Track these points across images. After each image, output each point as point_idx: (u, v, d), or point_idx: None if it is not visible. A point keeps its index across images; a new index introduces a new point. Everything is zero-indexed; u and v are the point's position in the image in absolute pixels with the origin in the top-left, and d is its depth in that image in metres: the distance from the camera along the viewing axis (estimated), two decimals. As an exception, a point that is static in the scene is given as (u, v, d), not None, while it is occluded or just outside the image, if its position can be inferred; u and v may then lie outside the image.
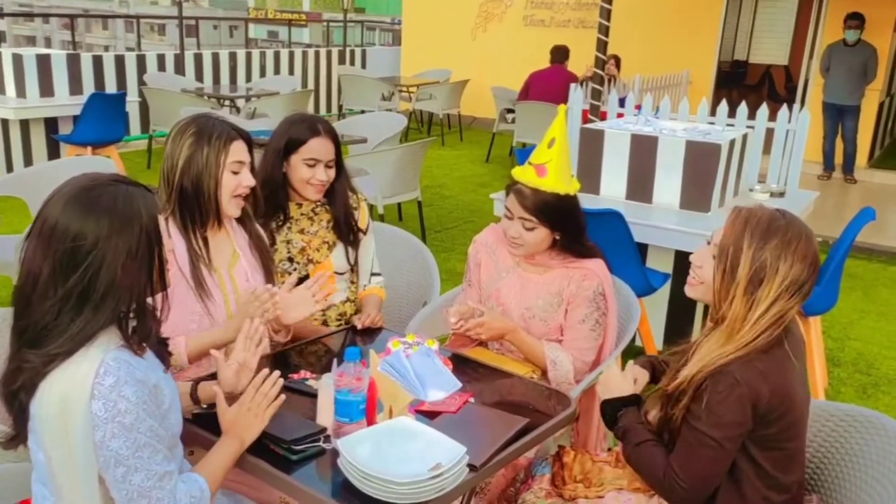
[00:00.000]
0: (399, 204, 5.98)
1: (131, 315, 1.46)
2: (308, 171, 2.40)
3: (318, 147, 2.39)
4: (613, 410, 1.87)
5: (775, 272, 1.61)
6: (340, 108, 10.46)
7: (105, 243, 1.39)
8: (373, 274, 2.65)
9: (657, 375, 1.99)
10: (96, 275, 1.38)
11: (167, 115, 6.99)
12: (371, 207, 5.64)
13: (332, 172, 2.45)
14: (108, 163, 4.16)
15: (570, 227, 2.30)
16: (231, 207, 2.06)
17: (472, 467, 1.62)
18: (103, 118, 6.15)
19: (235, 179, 2.02)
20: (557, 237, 2.31)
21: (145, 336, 1.49)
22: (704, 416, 1.63)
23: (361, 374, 1.68)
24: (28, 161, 6.46)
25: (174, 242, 1.97)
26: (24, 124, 6.37)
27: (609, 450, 2.06)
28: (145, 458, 1.42)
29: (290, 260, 2.49)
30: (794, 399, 1.66)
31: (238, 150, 2.02)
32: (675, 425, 1.71)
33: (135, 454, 1.41)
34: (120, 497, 1.42)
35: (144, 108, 8.03)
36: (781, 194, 4.19)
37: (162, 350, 1.62)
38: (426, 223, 5.80)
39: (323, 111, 11.27)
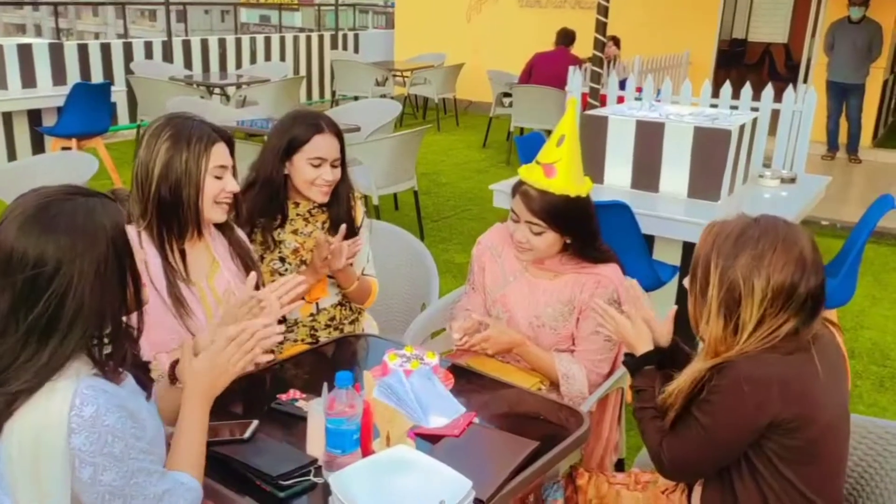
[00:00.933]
0: (395, 194, 5.81)
1: (105, 340, 1.33)
2: (313, 171, 2.24)
3: (323, 145, 2.24)
4: (633, 362, 1.80)
5: (751, 290, 1.50)
6: (334, 94, 10.25)
7: (69, 266, 1.25)
8: (364, 274, 2.48)
9: (677, 356, 1.84)
10: (62, 302, 1.25)
11: (155, 105, 6.79)
12: (366, 199, 5.52)
13: (337, 172, 2.29)
14: (88, 159, 3.97)
15: (581, 231, 2.14)
16: (215, 213, 1.90)
17: (478, 502, 1.47)
18: (88, 109, 5.95)
19: (218, 185, 1.87)
20: (568, 241, 2.15)
21: (121, 361, 1.36)
22: (701, 402, 1.56)
23: (354, 401, 1.52)
24: (12, 156, 6.28)
25: (148, 257, 1.81)
26: (7, 117, 6.19)
27: (623, 469, 1.92)
28: (141, 483, 1.31)
29: (282, 260, 2.33)
30: (818, 410, 1.53)
31: (220, 153, 1.87)
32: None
33: (129, 482, 1.29)
34: None
35: (132, 96, 7.82)
36: (792, 180, 4.02)
37: (142, 375, 1.47)
38: (423, 212, 5.65)
39: (315, 98, 11.06)
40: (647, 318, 1.82)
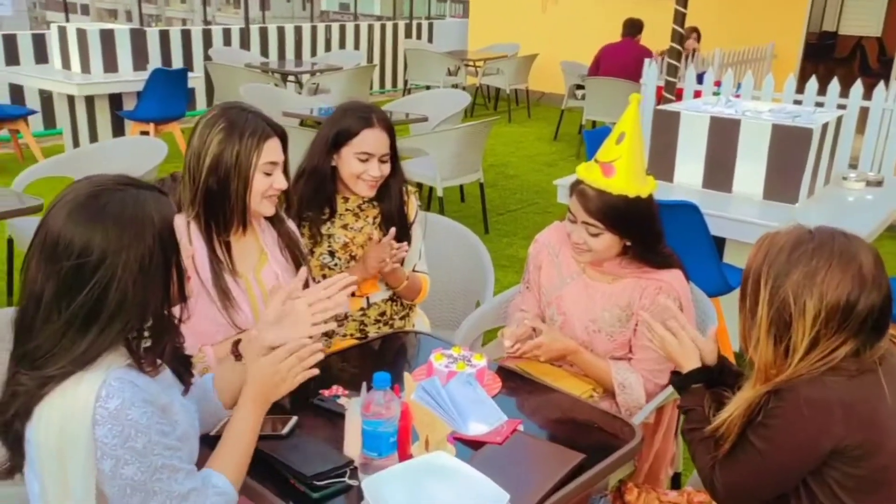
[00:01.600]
0: (461, 186, 5.76)
1: (146, 333, 1.32)
2: (360, 165, 2.21)
3: (372, 140, 2.20)
4: (680, 381, 1.72)
5: (802, 311, 1.39)
6: (406, 83, 10.25)
7: (114, 257, 1.24)
8: (416, 271, 2.44)
9: (725, 375, 1.74)
10: (105, 293, 1.24)
11: (231, 92, 6.90)
12: (430, 190, 5.53)
13: (386, 168, 2.25)
14: (159, 144, 4.05)
15: (642, 234, 2.04)
16: (263, 208, 1.88)
17: (516, 516, 1.40)
18: (165, 94, 6.10)
19: (267, 181, 1.85)
20: (628, 244, 2.06)
21: (160, 353, 1.35)
22: (757, 425, 1.47)
23: (391, 404, 1.48)
24: (94, 137, 6.48)
25: (195, 248, 1.80)
26: (90, 100, 6.38)
27: (680, 484, 1.82)
28: (164, 479, 1.28)
29: (332, 254, 2.31)
30: (886, 436, 1.41)
31: (272, 149, 1.84)
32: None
33: (152, 478, 1.27)
34: None
35: (210, 83, 7.98)
36: (879, 183, 3.78)
37: (182, 370, 1.46)
38: (488, 205, 5.58)
39: (388, 86, 11.09)
40: (693, 337, 1.72)
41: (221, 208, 1.82)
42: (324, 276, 2.26)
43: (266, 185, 1.84)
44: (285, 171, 1.90)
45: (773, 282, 1.42)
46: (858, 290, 1.38)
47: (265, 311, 1.83)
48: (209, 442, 1.50)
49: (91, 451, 1.22)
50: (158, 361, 1.35)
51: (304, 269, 1.79)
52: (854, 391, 1.39)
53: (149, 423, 1.26)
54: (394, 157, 2.28)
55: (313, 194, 2.25)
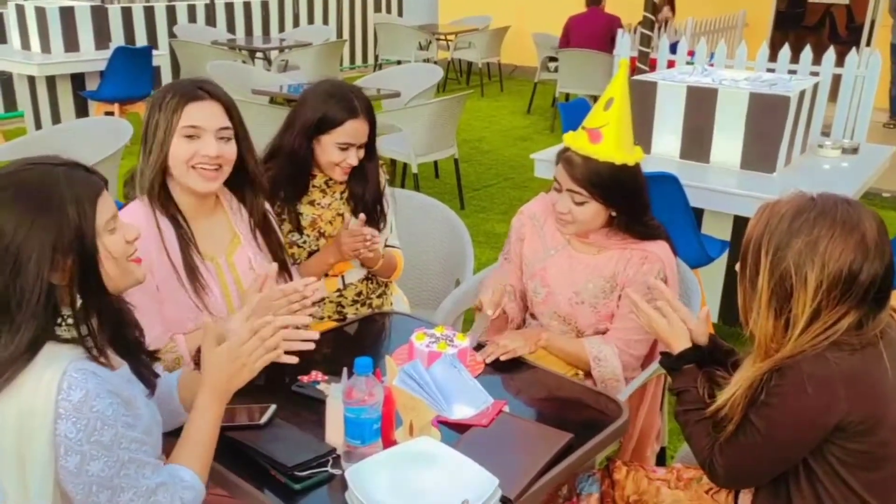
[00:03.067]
0: (435, 162, 5.68)
1: (92, 321, 1.24)
2: (339, 154, 2.15)
3: (354, 131, 2.14)
4: (671, 362, 1.66)
5: (803, 281, 1.35)
6: (377, 58, 10.09)
7: (25, 237, 1.16)
8: (388, 246, 2.38)
9: (717, 354, 1.69)
10: (21, 275, 1.16)
11: (196, 69, 6.73)
12: (404, 166, 5.46)
13: (361, 152, 2.20)
14: (124, 125, 3.93)
15: (628, 203, 2.00)
16: (191, 180, 1.75)
17: (505, 500, 1.36)
18: (129, 73, 5.91)
19: (189, 148, 1.71)
20: (613, 214, 2.01)
21: (110, 343, 1.28)
22: (759, 405, 1.42)
23: (374, 389, 1.42)
24: (56, 119, 6.27)
25: (162, 229, 1.72)
26: (51, 81, 6.15)
27: (665, 459, 1.79)
28: (132, 475, 1.23)
29: (299, 231, 2.24)
30: (887, 410, 1.38)
31: (198, 112, 1.71)
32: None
33: (119, 473, 1.21)
34: None
35: (176, 61, 7.77)
36: (854, 150, 3.77)
37: (143, 368, 1.37)
38: (463, 181, 5.51)
39: (358, 62, 10.91)
40: (683, 317, 1.67)
41: (164, 183, 1.74)
42: (291, 255, 2.20)
43: (188, 153, 1.72)
44: (238, 142, 1.79)
45: (774, 252, 1.37)
46: (861, 258, 1.34)
47: (235, 298, 1.76)
48: (173, 436, 1.43)
49: (52, 448, 1.16)
50: (111, 354, 1.28)
51: (274, 265, 1.72)
52: (857, 366, 1.35)
53: (115, 414, 1.20)
54: (372, 142, 2.22)
55: (291, 178, 2.18)
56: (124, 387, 1.27)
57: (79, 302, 1.23)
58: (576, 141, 1.96)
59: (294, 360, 1.46)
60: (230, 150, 1.77)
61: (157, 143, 1.70)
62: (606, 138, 1.91)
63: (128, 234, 1.31)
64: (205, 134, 1.73)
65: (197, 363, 1.57)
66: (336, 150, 2.14)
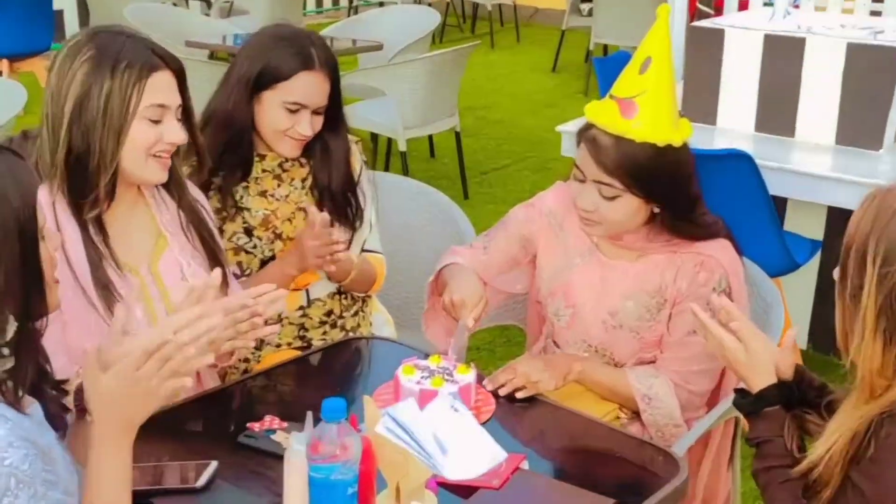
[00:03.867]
0: (430, 136, 5.76)
1: (3, 351, 1.28)
2: (287, 118, 2.19)
3: (308, 87, 2.18)
4: (750, 403, 1.69)
5: None
6: (351, 0, 10.19)
7: None
8: (365, 250, 2.42)
9: (805, 391, 1.73)
10: None
11: (111, 15, 6.85)
12: (388, 143, 5.52)
13: (319, 122, 2.24)
14: (16, 88, 4.00)
15: (674, 195, 2.03)
16: (149, 172, 1.82)
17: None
18: (22, 20, 6.03)
19: (153, 132, 1.78)
20: (656, 210, 2.03)
21: (22, 379, 1.31)
22: (865, 462, 1.45)
23: (348, 441, 1.45)
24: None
25: (64, 231, 1.75)
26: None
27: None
28: None
29: (248, 233, 2.28)
30: None
31: (160, 86, 1.77)
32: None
33: None
34: None
35: (84, 4, 7.92)
36: None
37: (50, 402, 1.41)
38: (467, 162, 5.60)
39: (327, 4, 11.03)
40: (764, 345, 1.69)
41: (86, 171, 1.77)
42: (238, 264, 2.24)
43: (152, 138, 1.78)
44: (187, 120, 1.85)
45: (885, 257, 1.41)
46: None
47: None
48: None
49: None
50: (21, 393, 1.31)
51: (217, 272, 1.74)
52: None
53: (33, 469, 1.23)
54: (336, 109, 2.26)
55: (224, 152, 2.20)
56: (38, 434, 1.30)
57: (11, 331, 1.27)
58: (602, 115, 1.99)
59: (188, 383, 1.42)
60: (185, 131, 1.85)
61: (107, 122, 1.73)
62: (643, 111, 1.94)
63: (52, 244, 1.35)
64: (167, 114, 1.79)
65: (80, 409, 1.57)
66: (283, 113, 2.17)
